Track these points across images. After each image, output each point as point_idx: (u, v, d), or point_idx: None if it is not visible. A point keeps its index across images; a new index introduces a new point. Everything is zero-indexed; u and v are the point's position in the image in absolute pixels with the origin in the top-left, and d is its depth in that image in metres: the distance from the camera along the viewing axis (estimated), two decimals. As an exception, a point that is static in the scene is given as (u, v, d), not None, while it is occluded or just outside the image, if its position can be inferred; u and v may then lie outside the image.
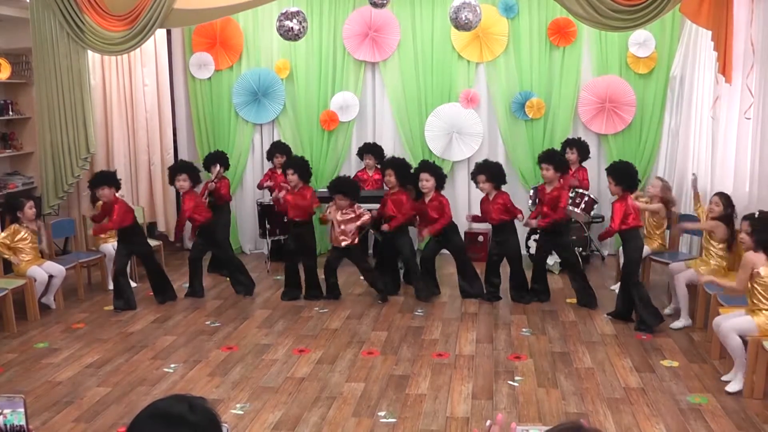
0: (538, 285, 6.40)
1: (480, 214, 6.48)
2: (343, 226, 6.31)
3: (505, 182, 6.37)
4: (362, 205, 7.20)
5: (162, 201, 8.42)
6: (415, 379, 4.66)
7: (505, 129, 8.15)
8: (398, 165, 6.52)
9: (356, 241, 6.40)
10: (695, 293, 5.64)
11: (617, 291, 5.99)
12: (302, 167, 6.49)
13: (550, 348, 5.23)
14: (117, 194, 6.36)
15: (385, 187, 6.73)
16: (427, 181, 6.34)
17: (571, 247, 6.40)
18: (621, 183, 5.61)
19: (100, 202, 6.57)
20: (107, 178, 6.34)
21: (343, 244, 6.34)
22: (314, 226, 6.61)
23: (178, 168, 6.63)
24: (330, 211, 6.40)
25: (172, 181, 6.64)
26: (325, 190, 7.75)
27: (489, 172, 6.23)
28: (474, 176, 6.33)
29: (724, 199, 5.59)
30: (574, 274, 6.24)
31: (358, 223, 6.33)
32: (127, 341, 5.51)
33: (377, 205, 6.67)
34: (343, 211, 6.35)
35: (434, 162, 6.73)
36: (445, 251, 6.69)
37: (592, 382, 4.58)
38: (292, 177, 6.41)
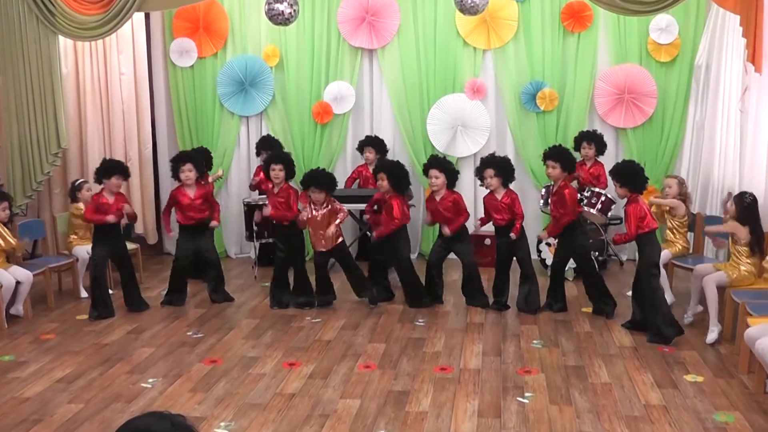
0: (555, 294, 6.39)
1: (484, 216, 6.47)
2: (321, 231, 6.34)
3: (513, 179, 6.37)
4: (358, 205, 7.23)
5: (140, 200, 8.42)
6: (415, 396, 4.66)
7: (515, 122, 8.16)
8: (391, 168, 6.50)
9: (339, 240, 6.45)
10: (722, 301, 5.64)
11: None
12: (290, 164, 6.52)
13: (563, 361, 5.23)
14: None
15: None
16: (436, 179, 6.35)
17: (587, 249, 6.38)
18: (626, 184, 5.62)
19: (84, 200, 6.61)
20: (120, 167, 6.46)
21: (324, 249, 6.41)
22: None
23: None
24: (305, 216, 6.41)
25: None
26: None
27: (498, 166, 6.23)
28: (480, 170, 6.32)
29: (737, 198, 5.61)
30: (591, 281, 6.25)
31: (336, 222, 6.34)
32: (101, 354, 5.50)
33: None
34: (319, 208, 6.35)
35: (444, 157, 6.70)
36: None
37: (609, 399, 4.58)
38: (280, 173, 6.42)
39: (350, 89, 8.30)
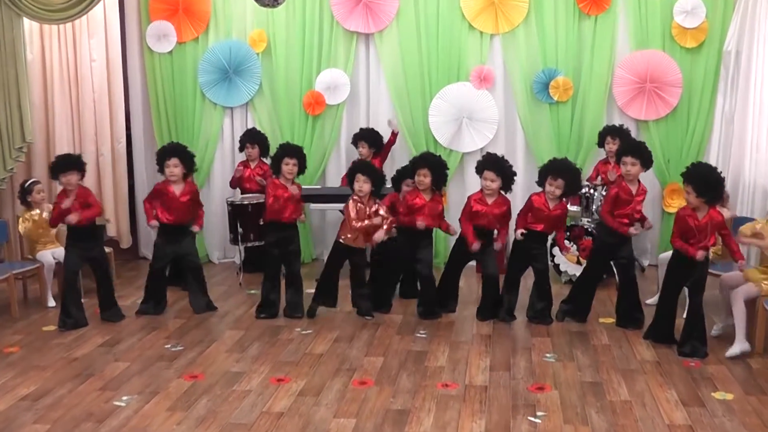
0: (582, 303, 6.39)
1: (522, 216, 6.37)
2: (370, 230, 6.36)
3: (576, 194, 6.55)
4: (336, 205, 7.22)
5: (113, 200, 8.42)
6: (416, 415, 4.66)
7: (526, 114, 8.17)
8: (435, 164, 6.45)
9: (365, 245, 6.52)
10: (753, 312, 5.64)
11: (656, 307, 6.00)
12: (304, 157, 6.54)
13: (579, 377, 5.24)
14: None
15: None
16: (492, 182, 6.24)
17: (633, 257, 6.36)
18: (705, 194, 5.42)
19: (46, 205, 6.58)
20: (76, 162, 6.39)
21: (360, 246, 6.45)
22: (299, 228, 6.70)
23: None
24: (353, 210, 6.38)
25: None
26: (311, 187, 7.79)
27: (571, 178, 6.14)
28: (546, 176, 6.15)
29: None
30: (631, 290, 6.23)
31: (385, 228, 6.31)
32: (71, 368, 5.50)
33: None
34: (365, 205, 6.35)
35: (503, 156, 6.54)
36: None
37: (629, 419, 4.58)
38: (294, 168, 6.44)
39: (345, 78, 8.30)
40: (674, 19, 7.81)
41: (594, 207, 7.29)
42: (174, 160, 6.52)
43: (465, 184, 8.24)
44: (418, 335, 6.13)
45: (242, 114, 8.66)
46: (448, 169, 6.63)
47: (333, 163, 8.51)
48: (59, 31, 8.02)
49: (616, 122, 7.75)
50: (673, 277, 5.75)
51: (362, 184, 6.31)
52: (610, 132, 7.47)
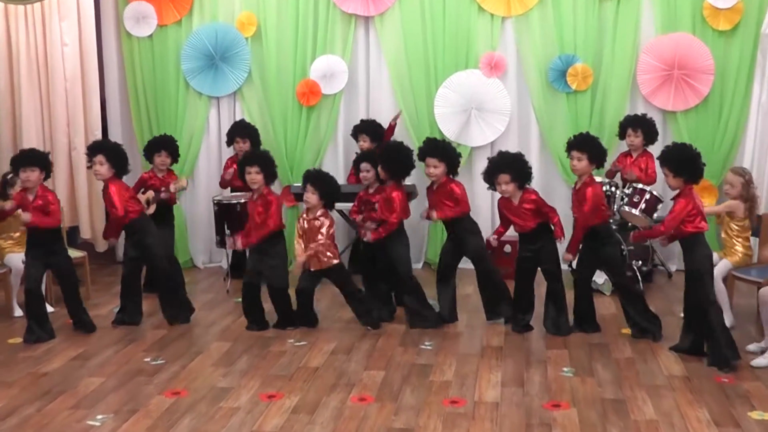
0: (581, 311, 6.40)
1: (502, 227, 6.48)
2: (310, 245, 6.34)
3: (530, 178, 6.35)
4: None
5: (86, 198, 8.42)
6: (421, 435, 4.65)
7: (540, 104, 8.17)
8: (384, 152, 6.59)
9: (335, 263, 6.43)
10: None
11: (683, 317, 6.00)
12: (269, 163, 6.41)
13: (599, 394, 5.22)
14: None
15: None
16: (435, 168, 6.36)
17: (617, 260, 6.38)
18: (682, 173, 5.54)
19: (10, 201, 6.56)
20: (38, 158, 6.31)
21: (312, 269, 6.40)
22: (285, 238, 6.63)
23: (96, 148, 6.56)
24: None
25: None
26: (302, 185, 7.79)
27: (513, 170, 6.16)
28: (491, 176, 6.22)
29: None
30: (627, 297, 6.25)
31: (313, 246, 6.29)
32: (39, 385, 5.49)
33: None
34: (309, 215, 6.35)
35: (444, 140, 6.73)
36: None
37: (655, 439, 4.57)
38: (257, 176, 6.32)
39: (342, 65, 8.30)
40: (705, -1, 7.82)
41: (615, 207, 7.27)
42: (99, 157, 6.43)
43: (473, 181, 8.21)
44: (423, 347, 6.12)
45: (230, 104, 8.66)
46: (406, 153, 6.57)
47: (329, 158, 8.51)
48: (26, 12, 8.02)
49: (640, 113, 7.74)
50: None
51: (309, 195, 6.29)
52: (631, 123, 7.47)
